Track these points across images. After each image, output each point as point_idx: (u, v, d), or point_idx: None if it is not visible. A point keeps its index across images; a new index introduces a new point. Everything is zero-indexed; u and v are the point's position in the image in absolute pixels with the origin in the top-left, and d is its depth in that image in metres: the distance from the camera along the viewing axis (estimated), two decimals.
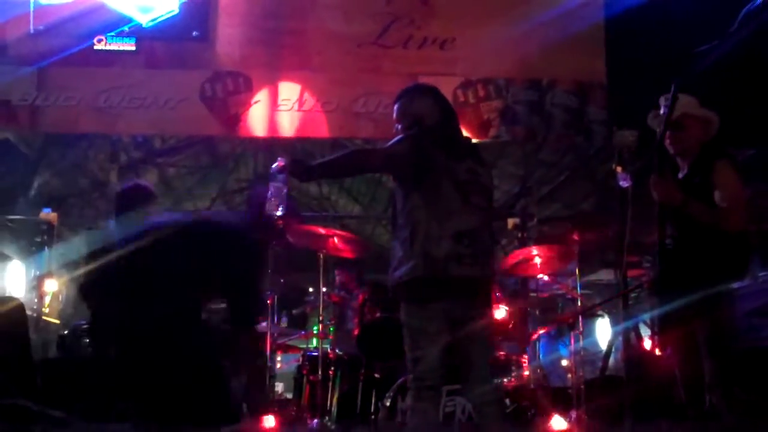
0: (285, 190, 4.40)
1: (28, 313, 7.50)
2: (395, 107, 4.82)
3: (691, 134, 5.07)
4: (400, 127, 4.76)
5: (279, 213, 4.44)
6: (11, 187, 10.19)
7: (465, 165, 4.53)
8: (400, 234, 4.51)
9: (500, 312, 6.65)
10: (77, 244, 6.41)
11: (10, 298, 7.47)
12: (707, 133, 5.07)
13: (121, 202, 5.92)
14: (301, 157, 5.09)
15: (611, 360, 7.66)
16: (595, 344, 8.41)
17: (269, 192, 4.41)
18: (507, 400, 5.99)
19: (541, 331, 7.35)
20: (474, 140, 8.02)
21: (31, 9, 9.05)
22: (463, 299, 4.43)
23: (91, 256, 5.99)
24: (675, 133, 5.02)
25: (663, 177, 4.87)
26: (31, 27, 9.05)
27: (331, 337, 7.39)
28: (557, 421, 6.03)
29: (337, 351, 7.13)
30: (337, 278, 8.31)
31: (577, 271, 7.06)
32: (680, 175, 5.06)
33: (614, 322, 8.33)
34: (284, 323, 8.40)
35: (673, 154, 5.11)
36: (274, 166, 4.39)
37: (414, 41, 9.44)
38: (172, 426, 4.86)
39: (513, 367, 6.51)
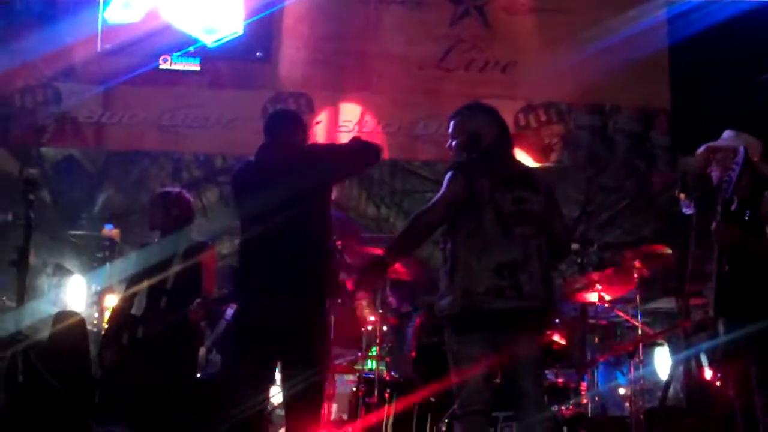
0: None
1: (89, 328, 7.59)
2: (452, 122, 4.76)
3: (719, 166, 4.99)
4: (455, 143, 4.71)
5: None
6: (75, 203, 10.35)
7: (512, 194, 4.45)
8: (444, 265, 4.50)
9: (558, 339, 6.57)
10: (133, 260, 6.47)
11: (72, 313, 7.57)
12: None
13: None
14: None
15: (671, 390, 7.53)
16: (654, 373, 8.28)
17: None
18: (565, 428, 5.92)
19: (600, 359, 7.26)
20: (535, 164, 8.02)
21: (99, 30, 9.22)
22: (507, 330, 4.38)
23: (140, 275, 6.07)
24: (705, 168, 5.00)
25: (726, 224, 4.78)
26: (99, 47, 9.22)
27: (387, 360, 7.36)
28: None
29: (393, 373, 7.10)
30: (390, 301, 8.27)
31: (637, 298, 6.96)
32: (733, 207, 4.97)
33: (674, 351, 8.20)
34: None
35: (716, 187, 5.03)
36: None
37: (476, 64, 9.44)
38: None
39: (571, 395, 6.44)
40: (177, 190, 6.36)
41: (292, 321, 4.73)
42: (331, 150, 5.23)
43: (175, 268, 5.89)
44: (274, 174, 4.89)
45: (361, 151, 5.10)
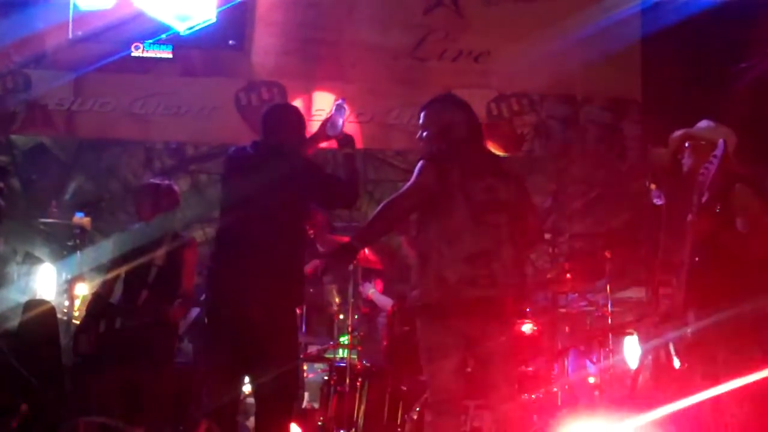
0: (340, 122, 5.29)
1: (59, 316, 7.55)
2: (423, 113, 4.80)
3: (693, 155, 5.02)
4: (426, 133, 4.74)
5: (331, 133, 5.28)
6: (45, 191, 10.27)
7: (483, 183, 4.48)
8: (416, 256, 4.52)
9: (528, 327, 6.61)
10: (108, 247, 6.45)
11: (42, 301, 7.52)
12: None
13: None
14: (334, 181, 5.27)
15: (640, 379, 7.59)
16: (624, 362, 8.34)
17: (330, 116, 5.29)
18: (535, 417, 5.95)
19: (570, 348, 7.31)
20: (507, 154, 8.04)
21: (71, 16, 9.14)
22: (479, 318, 4.40)
23: (122, 258, 6.06)
24: (677, 154, 5.02)
25: (701, 217, 4.80)
26: (70, 33, 9.14)
27: (359, 348, 7.38)
28: None
29: (364, 362, 7.12)
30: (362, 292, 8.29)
31: (607, 287, 7.01)
32: (704, 200, 4.99)
33: (644, 340, 8.26)
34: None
35: (686, 175, 5.06)
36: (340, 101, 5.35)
37: (449, 54, 9.45)
38: None
39: (541, 383, 6.48)
40: (167, 182, 6.38)
41: (260, 325, 4.80)
42: (316, 176, 5.22)
43: (160, 253, 5.90)
44: (256, 176, 4.93)
45: (339, 193, 5.18)
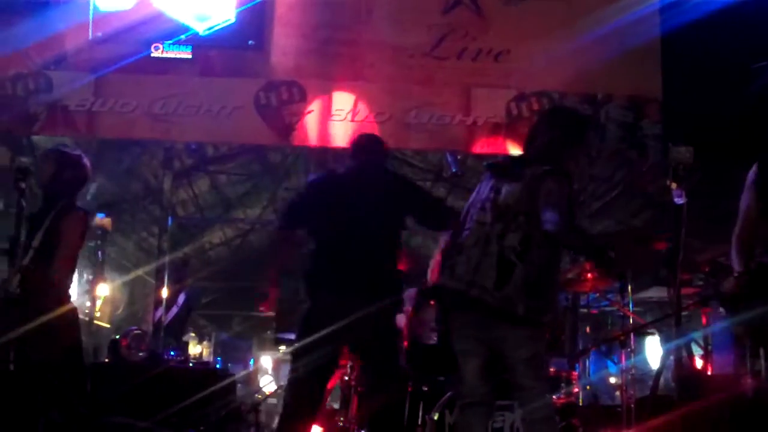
0: None
1: (80, 316, 7.58)
2: None
3: None
4: None
5: None
6: None
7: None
8: None
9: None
10: None
11: None
12: None
13: None
14: None
15: (662, 379, 7.56)
16: (645, 362, 8.32)
17: None
18: (557, 417, 5.93)
19: (592, 348, 7.28)
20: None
21: (91, 17, 9.17)
22: (487, 321, 4.42)
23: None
24: None
25: None
26: (90, 35, 9.17)
27: None
28: None
29: None
30: None
31: (629, 287, 6.98)
32: None
33: (665, 341, 8.23)
34: None
35: None
36: None
37: (468, 53, 9.41)
38: None
39: (562, 384, 6.46)
40: (78, 153, 6.05)
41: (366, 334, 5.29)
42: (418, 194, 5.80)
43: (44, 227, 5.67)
44: (365, 192, 5.35)
45: (443, 212, 5.72)
